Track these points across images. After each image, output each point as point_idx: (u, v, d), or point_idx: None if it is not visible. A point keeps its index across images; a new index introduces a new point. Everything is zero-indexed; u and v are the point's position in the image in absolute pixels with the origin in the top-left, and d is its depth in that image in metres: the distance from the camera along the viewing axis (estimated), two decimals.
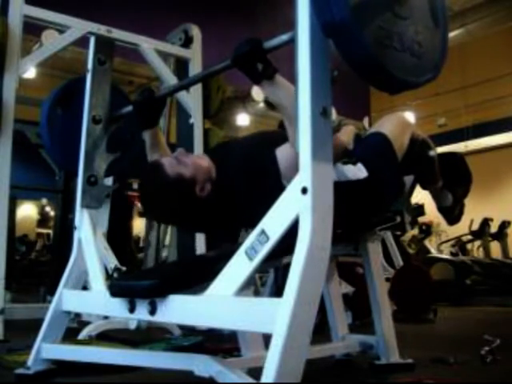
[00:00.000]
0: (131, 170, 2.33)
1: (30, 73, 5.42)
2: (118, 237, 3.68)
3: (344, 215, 1.19)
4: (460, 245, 7.56)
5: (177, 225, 1.47)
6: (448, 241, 8.07)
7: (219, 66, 1.47)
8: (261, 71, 1.31)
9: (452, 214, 2.02)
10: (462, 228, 6.74)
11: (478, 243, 7.76)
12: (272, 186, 1.38)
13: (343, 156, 1.72)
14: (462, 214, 2.04)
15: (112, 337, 2.48)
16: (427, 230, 6.83)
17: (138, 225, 7.16)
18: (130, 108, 1.87)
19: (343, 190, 1.15)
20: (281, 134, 1.53)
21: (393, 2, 1.16)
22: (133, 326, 2.40)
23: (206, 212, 1.58)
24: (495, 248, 7.47)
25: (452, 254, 7.36)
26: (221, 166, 1.59)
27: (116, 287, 1.52)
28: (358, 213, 1.72)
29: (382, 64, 1.09)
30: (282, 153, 1.48)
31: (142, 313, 1.40)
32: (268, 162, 1.48)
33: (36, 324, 1.86)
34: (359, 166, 1.70)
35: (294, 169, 1.25)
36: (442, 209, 2.02)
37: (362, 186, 1.67)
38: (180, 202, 1.53)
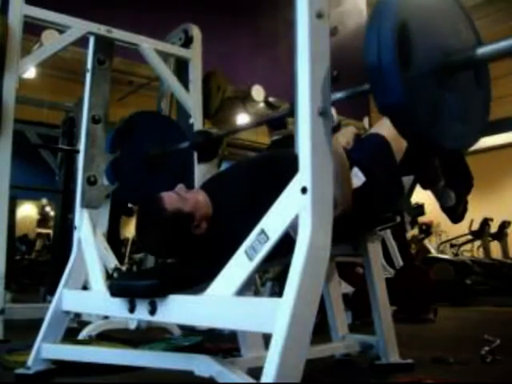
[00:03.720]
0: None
1: (30, 73, 5.40)
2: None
3: (344, 229, 1.19)
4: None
5: (164, 257, 1.48)
6: (447, 241, 8.07)
7: None
8: None
9: (456, 212, 2.02)
10: (462, 228, 6.73)
11: (477, 243, 7.75)
12: None
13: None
14: (465, 212, 2.05)
15: (112, 337, 2.48)
16: (427, 229, 6.83)
17: None
18: (185, 144, 2.01)
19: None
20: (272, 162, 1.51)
21: (442, 77, 1.17)
22: (133, 326, 2.40)
23: (196, 249, 1.57)
24: (495, 248, 7.47)
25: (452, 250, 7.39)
26: (216, 204, 1.59)
27: (116, 287, 1.52)
28: (357, 221, 1.71)
29: (435, 140, 1.15)
30: None
31: (142, 313, 1.40)
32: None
33: (36, 324, 1.86)
34: (355, 171, 1.68)
35: None
36: (445, 209, 2.02)
37: (360, 195, 1.63)
38: (173, 237, 1.54)
